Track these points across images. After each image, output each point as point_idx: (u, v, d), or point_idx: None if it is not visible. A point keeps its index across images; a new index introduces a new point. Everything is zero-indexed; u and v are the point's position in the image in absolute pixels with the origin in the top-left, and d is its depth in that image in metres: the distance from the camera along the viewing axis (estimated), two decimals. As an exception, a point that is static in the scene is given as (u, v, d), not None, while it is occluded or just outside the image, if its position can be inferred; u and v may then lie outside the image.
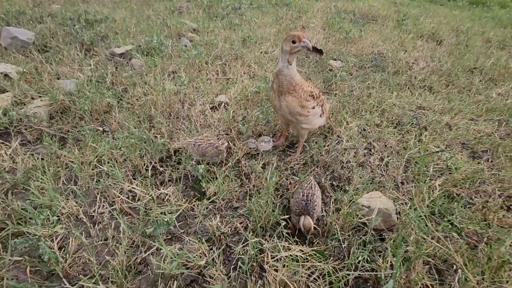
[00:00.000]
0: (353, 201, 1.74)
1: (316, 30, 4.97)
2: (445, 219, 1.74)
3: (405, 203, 1.84)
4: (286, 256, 1.37)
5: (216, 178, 1.90)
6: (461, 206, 1.83)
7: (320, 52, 4.23)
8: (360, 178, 2.00)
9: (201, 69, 3.32)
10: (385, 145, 2.39)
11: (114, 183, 1.83)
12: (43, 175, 1.83)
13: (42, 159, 2.01)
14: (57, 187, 1.81)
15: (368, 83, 3.32)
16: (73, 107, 2.45)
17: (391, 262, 1.40)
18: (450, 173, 2.09)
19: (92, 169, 1.91)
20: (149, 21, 4.53)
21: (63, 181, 1.84)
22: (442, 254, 1.48)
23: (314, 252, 1.39)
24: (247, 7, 5.75)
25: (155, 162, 2.03)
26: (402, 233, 1.54)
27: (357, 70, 3.70)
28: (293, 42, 1.74)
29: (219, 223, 1.60)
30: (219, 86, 2.98)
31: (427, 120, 2.70)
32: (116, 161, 1.98)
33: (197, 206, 1.70)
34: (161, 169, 2.00)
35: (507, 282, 1.39)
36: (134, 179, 1.90)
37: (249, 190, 1.89)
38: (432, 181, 2.01)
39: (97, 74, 2.94)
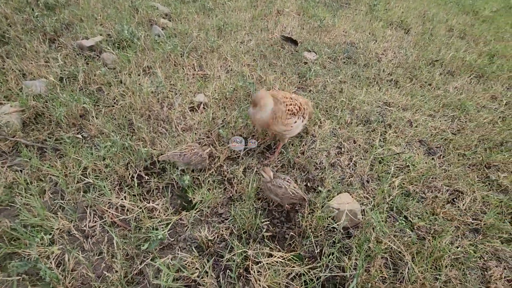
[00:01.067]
0: (325, 204, 1.97)
1: (291, 15, 4.97)
2: (401, 215, 2.04)
3: (370, 202, 2.10)
4: (268, 263, 1.58)
5: (201, 186, 2.03)
6: (416, 202, 2.13)
7: (295, 42, 4.30)
8: (332, 178, 2.23)
9: (176, 64, 3.28)
10: (355, 144, 2.62)
11: (102, 196, 1.90)
12: (26, 191, 1.85)
13: (21, 170, 2.00)
14: (43, 201, 1.85)
15: (340, 78, 3.49)
16: (47, 113, 2.39)
17: (356, 260, 1.66)
18: (408, 171, 2.38)
19: (78, 182, 1.96)
20: (116, 4, 4.26)
21: (49, 196, 1.88)
22: (395, 249, 1.77)
23: (292, 256, 1.61)
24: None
25: (140, 171, 2.10)
26: (364, 233, 1.80)
27: (330, 63, 3.84)
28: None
29: (206, 233, 1.76)
30: (197, 84, 3.00)
31: (391, 117, 2.95)
32: (101, 173, 2.03)
33: (185, 216, 1.83)
34: (147, 177, 2.09)
35: (445, 268, 1.72)
36: (121, 189, 1.98)
37: (232, 195, 2.05)
38: (393, 178, 2.29)
39: (67, 72, 2.82)
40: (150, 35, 3.61)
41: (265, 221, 1.88)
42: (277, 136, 2.34)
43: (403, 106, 3.17)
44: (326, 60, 3.86)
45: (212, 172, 2.16)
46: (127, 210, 1.85)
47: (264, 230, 1.80)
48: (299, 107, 2.16)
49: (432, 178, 2.36)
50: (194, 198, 1.94)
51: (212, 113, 2.64)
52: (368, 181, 2.31)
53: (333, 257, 1.68)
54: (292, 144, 2.48)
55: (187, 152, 2.03)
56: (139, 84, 2.77)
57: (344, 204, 1.94)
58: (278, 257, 1.60)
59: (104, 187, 1.89)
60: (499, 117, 3.14)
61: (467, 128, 2.93)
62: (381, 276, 1.62)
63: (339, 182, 2.23)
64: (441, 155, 2.62)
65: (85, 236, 1.72)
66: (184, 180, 1.91)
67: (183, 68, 3.22)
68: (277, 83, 3.19)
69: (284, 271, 1.56)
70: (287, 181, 1.87)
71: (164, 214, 1.83)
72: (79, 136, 2.29)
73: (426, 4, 6.59)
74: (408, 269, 1.65)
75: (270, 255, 1.64)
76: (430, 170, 2.41)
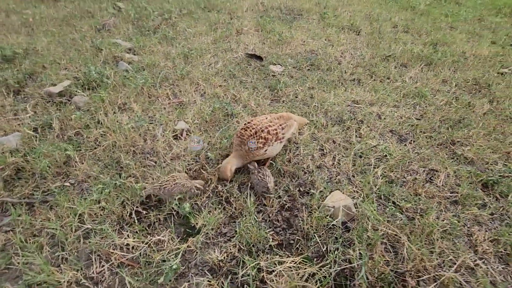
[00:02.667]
0: (321, 204, 2.10)
1: (250, 33, 5.21)
2: (389, 201, 2.21)
3: (360, 195, 2.26)
4: (281, 270, 1.66)
5: (201, 210, 2.08)
6: (399, 187, 2.33)
7: (260, 58, 4.52)
8: (321, 179, 2.38)
9: (151, 96, 3.33)
10: (334, 144, 2.80)
11: (104, 238, 1.89)
12: (23, 250, 1.79)
13: (13, 230, 1.94)
14: (43, 256, 1.80)
15: (308, 85, 3.71)
16: (28, 166, 2.33)
17: (359, 250, 1.79)
18: (387, 161, 2.59)
19: (76, 230, 1.93)
20: (77, 45, 4.25)
21: (48, 250, 1.83)
22: (391, 233, 1.93)
23: (302, 259, 1.71)
24: (177, 15, 5.69)
25: (137, 207, 2.11)
26: (361, 224, 1.95)
27: (296, 72, 4.07)
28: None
29: (217, 254, 1.80)
30: (175, 112, 3.06)
31: (361, 114, 3.20)
32: (98, 216, 2.02)
33: (192, 242, 1.87)
34: (145, 212, 2.10)
35: (437, 241, 1.89)
36: (122, 228, 1.97)
37: (233, 213, 2.12)
38: (375, 169, 2.49)
39: (40, 122, 2.77)
40: (118, 72, 3.64)
41: (269, 231, 1.96)
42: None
43: (370, 102, 3.44)
44: (292, 70, 4.09)
45: (209, 195, 2.22)
46: (133, 248, 1.85)
47: (270, 240, 1.88)
48: (266, 138, 2.31)
49: (408, 163, 2.58)
50: (197, 223, 1.98)
51: (200, 134, 2.71)
52: (354, 176, 2.48)
53: (339, 252, 1.80)
54: (278, 154, 2.61)
55: (168, 184, 2.07)
56: (118, 122, 2.78)
57: (338, 201, 2.08)
58: (290, 263, 1.69)
59: (105, 230, 1.88)
60: (453, 97, 3.50)
61: (428, 112, 3.24)
62: (384, 260, 1.76)
63: (328, 182, 2.38)
64: (411, 140, 2.88)
65: (95, 283, 1.70)
66: (185, 208, 1.96)
67: (158, 99, 3.28)
68: (251, 99, 3.34)
69: (298, 274, 1.65)
70: (262, 174, 2.21)
71: (172, 244, 1.86)
72: (67, 183, 2.25)
73: (369, 6, 7.19)
74: (406, 248, 1.81)
75: (281, 262, 1.72)
76: (405, 155, 2.64)
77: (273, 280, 1.64)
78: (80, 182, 2.31)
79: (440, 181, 2.38)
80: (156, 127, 2.83)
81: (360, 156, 2.66)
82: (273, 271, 1.69)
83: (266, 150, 2.36)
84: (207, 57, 4.23)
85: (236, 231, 1.99)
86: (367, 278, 1.67)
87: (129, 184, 2.20)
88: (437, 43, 4.96)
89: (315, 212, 2.04)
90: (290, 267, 1.68)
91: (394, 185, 2.35)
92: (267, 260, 1.74)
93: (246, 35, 5.10)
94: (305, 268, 1.68)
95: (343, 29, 5.58)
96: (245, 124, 2.43)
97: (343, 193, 2.22)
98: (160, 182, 2.11)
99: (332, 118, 3.15)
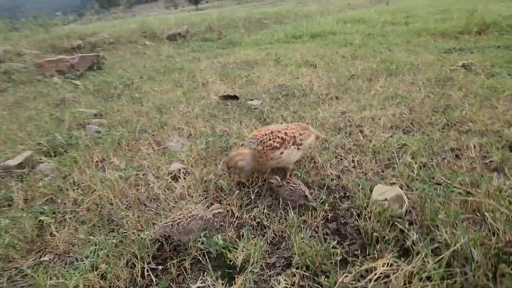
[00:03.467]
0: (368, 203, 1.80)
1: (216, 83, 5.26)
2: (433, 183, 2.00)
3: (400, 185, 2.02)
4: (377, 275, 1.25)
5: (236, 243, 1.62)
6: (434, 169, 2.15)
7: (235, 97, 4.45)
8: (352, 182, 2.11)
9: (131, 148, 2.94)
10: (345, 149, 2.62)
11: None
12: None
13: None
14: None
15: (291, 109, 3.66)
16: (-17, 251, 1.71)
17: (448, 232, 1.47)
18: (406, 150, 2.45)
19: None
20: (33, 120, 3.80)
21: None
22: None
23: (391, 261, 1.33)
24: (138, 80, 5.61)
25: (149, 263, 1.59)
26: (424, 208, 1.67)
27: (275, 102, 4.04)
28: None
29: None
30: (164, 157, 2.69)
31: (356, 119, 3.15)
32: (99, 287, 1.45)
33: (243, 283, 1.38)
34: (161, 267, 1.58)
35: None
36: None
37: (273, 239, 1.69)
38: (401, 155, 2.32)
39: (-3, 199, 2.18)
40: (88, 134, 3.23)
41: (328, 246, 1.56)
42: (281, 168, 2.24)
43: (357, 109, 3.45)
44: (270, 102, 4.05)
45: (237, 223, 1.80)
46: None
47: (338, 253, 1.48)
48: (283, 138, 2.11)
49: (428, 147, 2.47)
50: (237, 259, 1.51)
51: (198, 174, 2.33)
52: (382, 171, 2.27)
53: (424, 241, 1.46)
54: (295, 168, 2.33)
55: (182, 219, 1.65)
56: (100, 176, 2.31)
57: (387, 193, 1.81)
58: (381, 266, 1.30)
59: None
60: (427, 92, 3.69)
61: (415, 107, 3.31)
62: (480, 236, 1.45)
63: (360, 179, 2.12)
64: (416, 130, 2.83)
65: None
66: (216, 242, 1.50)
67: (140, 150, 2.89)
68: (242, 130, 3.13)
69: (397, 279, 1.25)
70: (294, 184, 1.93)
71: None
72: (45, 258, 1.66)
73: (312, 49, 7.96)
74: (490, 224, 1.54)
75: (371, 270, 1.32)
76: (421, 141, 2.53)
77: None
78: (61, 254, 1.72)
79: (470, 153, 2.27)
80: (147, 174, 2.41)
81: (378, 153, 2.49)
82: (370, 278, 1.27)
83: (282, 153, 2.06)
84: (181, 107, 4.05)
85: (285, 258, 1.56)
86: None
87: (133, 237, 1.69)
88: (387, 61, 5.48)
89: (368, 212, 1.72)
90: (384, 274, 1.28)
91: (429, 168, 2.17)
92: (347, 276, 1.33)
93: (213, 84, 5.13)
94: (402, 269, 1.29)
95: (300, 66, 5.94)
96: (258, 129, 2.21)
97: (384, 185, 1.96)
98: (172, 218, 1.66)
99: (330, 128, 3.03)
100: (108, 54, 8.25)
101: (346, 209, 1.88)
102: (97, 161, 2.66)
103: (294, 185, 1.88)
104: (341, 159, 2.48)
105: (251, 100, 4.15)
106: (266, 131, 2.14)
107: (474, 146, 2.34)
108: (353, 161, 2.42)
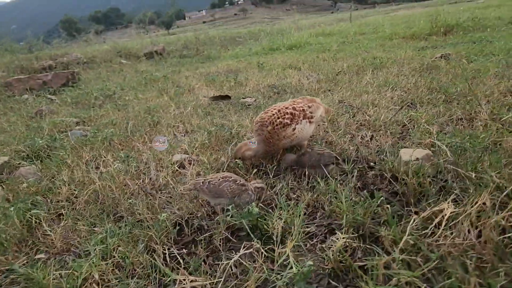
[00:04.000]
0: (404, 163, 1.70)
1: (202, 88, 5.12)
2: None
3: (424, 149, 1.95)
4: (446, 215, 1.12)
5: (270, 213, 1.44)
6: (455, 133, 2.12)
7: (227, 97, 4.33)
8: (376, 154, 2.02)
9: (124, 147, 2.68)
10: (355, 127, 2.55)
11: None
12: None
13: None
14: None
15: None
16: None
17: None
18: (418, 119, 2.41)
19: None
20: (7, 132, 3.41)
21: None
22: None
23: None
24: (120, 91, 5.36)
25: (171, 247, 1.35)
26: (459, 158, 1.59)
27: (268, 99, 3.96)
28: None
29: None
30: (164, 151, 2.47)
31: (356, 104, 3.12)
32: (113, 278, 1.19)
33: (287, 251, 1.19)
34: (185, 251, 1.35)
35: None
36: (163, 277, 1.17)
37: (307, 207, 1.52)
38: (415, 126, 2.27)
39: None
40: (73, 139, 2.93)
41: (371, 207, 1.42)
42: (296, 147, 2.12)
43: (354, 97, 3.44)
44: (263, 99, 3.97)
45: (265, 199, 1.61)
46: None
47: (385, 212, 1.34)
48: (292, 113, 2.01)
49: (440, 116, 2.45)
50: (274, 229, 1.32)
51: (206, 159, 2.14)
52: (397, 142, 2.20)
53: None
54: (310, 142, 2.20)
55: (213, 178, 1.47)
56: (97, 168, 2.05)
57: (416, 153, 1.72)
58: (447, 209, 1.17)
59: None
60: (417, 77, 3.79)
61: (411, 89, 3.37)
62: None
63: (379, 149, 2.03)
64: (420, 105, 2.84)
65: None
66: (252, 211, 1.31)
67: (134, 148, 2.64)
68: (242, 121, 2.99)
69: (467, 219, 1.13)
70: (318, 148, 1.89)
71: (263, 264, 1.14)
72: (41, 256, 1.37)
73: (292, 57, 8.12)
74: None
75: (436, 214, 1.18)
76: (430, 112, 2.52)
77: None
78: (58, 253, 1.43)
79: (482, 116, 2.27)
80: (149, 165, 2.17)
81: (389, 126, 2.43)
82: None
83: (294, 129, 1.95)
84: (171, 109, 3.85)
85: (324, 225, 1.40)
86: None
87: (147, 224, 1.45)
88: (369, 59, 5.65)
89: (403, 174, 1.62)
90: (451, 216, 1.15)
91: (447, 132, 2.14)
92: (408, 224, 1.18)
93: (200, 90, 4.99)
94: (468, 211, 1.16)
95: (285, 69, 5.98)
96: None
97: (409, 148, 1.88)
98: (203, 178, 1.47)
99: (332, 114, 2.97)
100: (83, 73, 7.90)
101: (375, 176, 1.76)
102: (88, 160, 2.38)
103: (319, 150, 1.75)
104: (353, 136, 2.39)
105: (244, 98, 4.04)
106: (272, 110, 2.04)
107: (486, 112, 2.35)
108: (366, 135, 2.34)
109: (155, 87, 5.49)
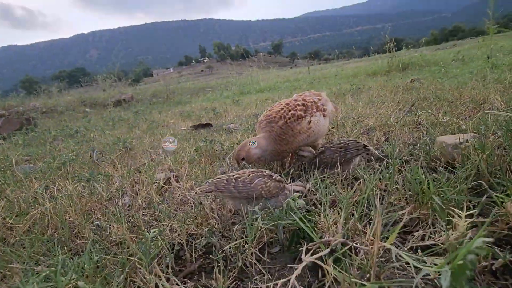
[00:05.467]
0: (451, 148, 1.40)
1: (179, 122, 4.75)
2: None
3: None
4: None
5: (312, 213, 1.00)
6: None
7: (208, 125, 3.97)
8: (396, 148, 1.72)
9: (87, 171, 2.12)
10: (367, 127, 2.29)
11: None
12: None
13: None
14: None
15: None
16: None
17: None
18: (431, 119, 2.22)
19: None
20: None
21: None
22: None
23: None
24: (83, 129, 4.76)
25: (168, 278, 0.84)
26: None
27: (251, 125, 3.66)
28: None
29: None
30: (142, 173, 1.96)
31: (353, 116, 2.93)
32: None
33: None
34: (191, 283, 0.84)
35: None
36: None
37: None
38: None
39: None
40: (20, 173, 2.30)
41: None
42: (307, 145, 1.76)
43: (346, 112, 3.27)
44: (248, 125, 3.67)
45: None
46: None
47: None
48: (304, 104, 1.73)
49: (450, 112, 2.29)
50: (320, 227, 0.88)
51: (200, 171, 1.68)
52: (419, 138, 1.94)
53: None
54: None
55: (241, 175, 1.05)
56: (46, 197, 1.48)
57: (459, 138, 1.45)
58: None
59: None
60: (401, 94, 3.78)
61: (401, 102, 3.29)
62: None
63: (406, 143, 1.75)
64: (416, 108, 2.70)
65: None
66: (295, 200, 0.88)
67: (102, 169, 2.09)
68: (233, 138, 2.61)
69: None
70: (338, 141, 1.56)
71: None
72: None
73: (265, 96, 8.19)
74: None
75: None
76: (433, 114, 2.36)
77: None
78: None
79: (496, 104, 2.13)
80: (123, 189, 1.64)
81: (403, 126, 2.20)
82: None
83: (310, 122, 1.62)
84: (146, 139, 3.38)
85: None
86: None
87: (128, 249, 0.93)
88: (343, 88, 5.77)
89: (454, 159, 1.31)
90: None
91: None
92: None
93: (175, 124, 4.59)
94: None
95: (263, 102, 5.87)
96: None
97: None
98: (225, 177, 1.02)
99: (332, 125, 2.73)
100: (42, 121, 7.17)
101: (408, 162, 1.44)
102: (36, 189, 1.78)
103: (340, 142, 1.43)
104: (368, 136, 2.11)
105: (227, 125, 3.72)
106: (279, 106, 1.73)
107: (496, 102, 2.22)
108: (384, 134, 2.07)
109: (124, 125, 5.00)
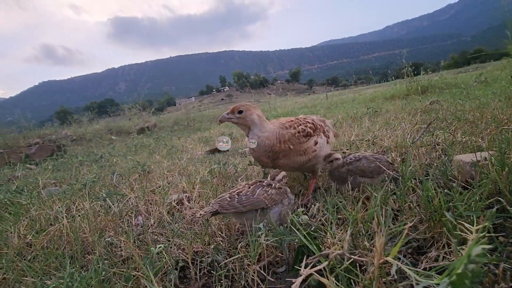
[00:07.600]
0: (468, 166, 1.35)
1: (197, 147, 4.87)
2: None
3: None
4: None
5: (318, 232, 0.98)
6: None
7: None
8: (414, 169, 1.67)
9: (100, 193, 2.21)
10: (382, 148, 2.24)
11: None
12: None
13: None
14: None
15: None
16: None
17: None
18: (449, 139, 2.15)
19: None
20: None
21: None
22: None
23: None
24: (108, 155, 5.00)
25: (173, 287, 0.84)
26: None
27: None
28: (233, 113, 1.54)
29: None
30: (157, 191, 2.02)
31: (368, 138, 2.89)
32: None
33: None
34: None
35: None
36: None
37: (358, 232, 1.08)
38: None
39: None
40: (46, 195, 2.44)
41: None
42: (307, 170, 1.73)
43: (361, 135, 3.23)
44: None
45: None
46: None
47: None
48: (313, 124, 1.73)
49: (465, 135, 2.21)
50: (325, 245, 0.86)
51: (212, 190, 1.70)
52: (438, 158, 1.88)
53: None
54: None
55: (242, 189, 1.06)
56: (62, 215, 1.55)
57: (467, 157, 1.40)
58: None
59: None
60: (419, 116, 3.70)
61: (418, 123, 3.21)
62: None
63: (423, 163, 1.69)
64: (433, 126, 2.63)
65: None
66: (299, 215, 0.87)
67: (121, 191, 2.17)
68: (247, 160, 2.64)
69: None
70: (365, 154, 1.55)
71: None
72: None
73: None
74: None
75: None
76: (450, 133, 2.28)
77: None
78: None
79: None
80: (133, 212, 1.69)
81: (419, 147, 2.14)
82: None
83: (316, 143, 1.60)
84: (164, 163, 3.49)
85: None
86: None
87: (134, 264, 0.95)
88: (360, 111, 5.74)
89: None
90: None
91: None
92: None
93: (194, 149, 4.72)
94: None
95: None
96: None
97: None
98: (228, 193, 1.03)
99: (347, 145, 2.70)
100: (71, 147, 7.62)
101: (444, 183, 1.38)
102: (58, 208, 1.87)
103: (369, 156, 1.41)
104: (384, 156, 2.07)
105: (242, 149, 3.77)
106: (288, 118, 1.70)
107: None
108: (400, 155, 2.02)
109: (145, 150, 5.20)
